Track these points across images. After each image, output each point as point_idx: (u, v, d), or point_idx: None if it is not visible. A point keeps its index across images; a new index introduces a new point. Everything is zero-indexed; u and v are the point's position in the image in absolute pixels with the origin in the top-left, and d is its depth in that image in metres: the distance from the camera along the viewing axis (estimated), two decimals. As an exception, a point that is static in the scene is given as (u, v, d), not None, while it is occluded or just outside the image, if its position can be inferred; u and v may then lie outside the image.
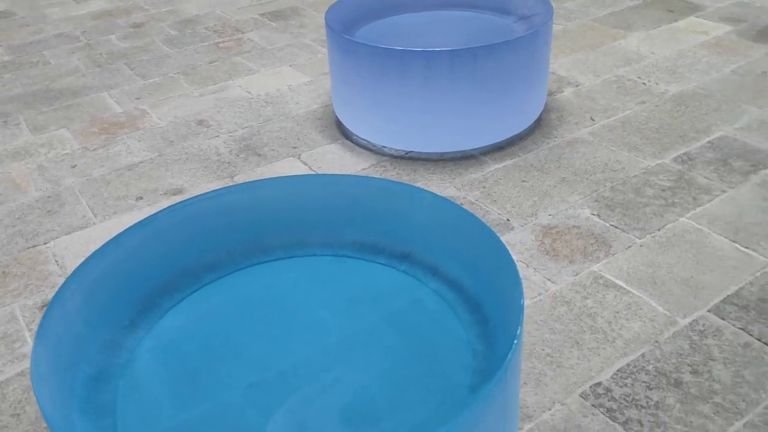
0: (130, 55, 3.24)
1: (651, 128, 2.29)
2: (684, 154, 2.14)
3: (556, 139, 2.27)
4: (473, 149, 2.23)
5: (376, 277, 1.37)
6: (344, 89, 2.27)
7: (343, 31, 2.38)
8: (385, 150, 2.26)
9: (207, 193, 1.42)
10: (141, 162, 2.31)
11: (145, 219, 1.34)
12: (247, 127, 2.49)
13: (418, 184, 2.07)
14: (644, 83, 2.60)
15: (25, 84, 3.00)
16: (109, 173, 2.25)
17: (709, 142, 2.19)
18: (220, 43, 3.32)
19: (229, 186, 1.42)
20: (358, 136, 2.33)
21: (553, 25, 3.19)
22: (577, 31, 3.14)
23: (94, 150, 2.41)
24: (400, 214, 1.40)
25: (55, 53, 3.34)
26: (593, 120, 2.36)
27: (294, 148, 2.33)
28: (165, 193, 2.12)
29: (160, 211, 1.36)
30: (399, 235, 1.41)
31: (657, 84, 2.59)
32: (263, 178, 2.03)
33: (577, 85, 2.62)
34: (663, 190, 1.97)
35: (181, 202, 1.38)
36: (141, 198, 2.11)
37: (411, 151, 2.24)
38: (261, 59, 3.09)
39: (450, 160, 2.19)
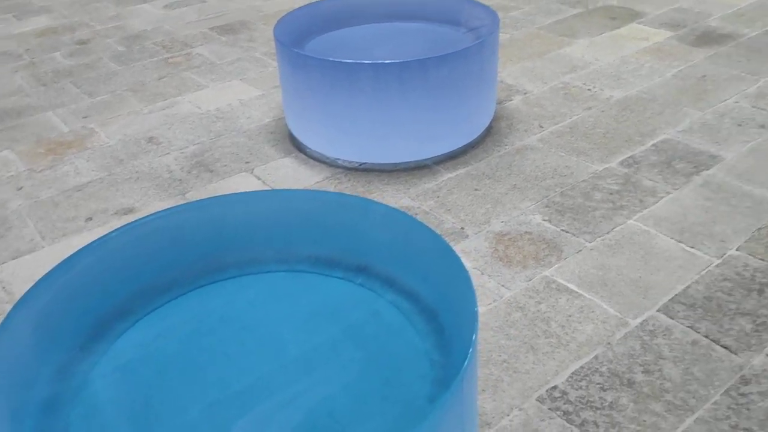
0: (76, 73, 3.18)
1: (598, 133, 2.36)
2: (630, 157, 2.20)
3: (507, 147, 2.31)
4: (426, 159, 2.25)
5: (333, 291, 1.37)
6: (296, 103, 2.27)
7: (292, 44, 2.39)
8: (339, 162, 2.27)
9: (159, 212, 1.40)
10: (90, 182, 2.26)
11: (95, 241, 1.32)
12: (198, 143, 2.47)
13: (373, 196, 2.08)
14: (590, 89, 2.67)
15: (-34, 105, 2.91)
16: (57, 195, 2.20)
17: (653, 145, 2.26)
18: (169, 58, 3.29)
19: (182, 204, 1.41)
20: (311, 149, 2.34)
21: (501, 35, 3.25)
22: (524, 39, 3.21)
23: (40, 171, 2.35)
24: (354, 227, 1.41)
25: (-3, 72, 3.25)
26: (542, 127, 2.41)
27: (247, 163, 2.32)
28: (116, 213, 2.09)
29: (111, 232, 1.34)
30: (354, 249, 1.41)
31: (602, 90, 2.66)
32: (216, 194, 2.01)
33: (525, 93, 2.67)
34: (611, 194, 2.02)
35: (132, 222, 1.36)
36: (91, 219, 2.07)
37: (365, 163, 2.25)
38: (211, 74, 3.07)
39: (404, 171, 2.21)
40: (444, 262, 1.24)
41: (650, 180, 2.07)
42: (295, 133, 2.36)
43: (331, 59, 2.09)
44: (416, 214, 1.99)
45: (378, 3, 2.64)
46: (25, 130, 2.66)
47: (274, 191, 1.45)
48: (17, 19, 4.05)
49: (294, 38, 2.45)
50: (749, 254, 1.75)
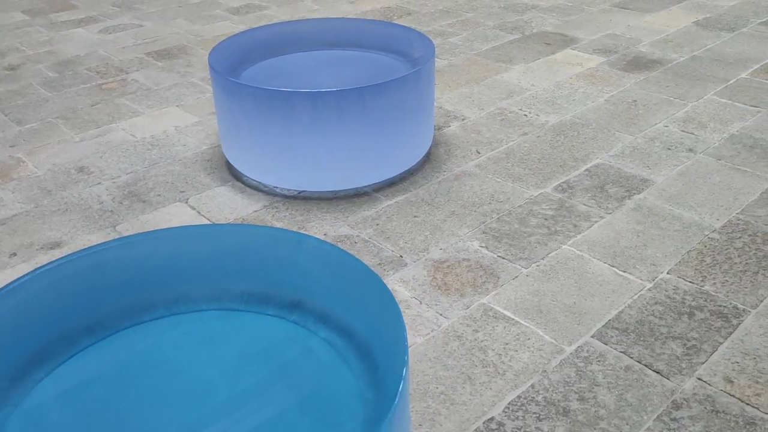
0: (4, 100, 3.06)
1: (533, 158, 2.39)
2: (564, 182, 2.24)
3: (445, 173, 2.32)
4: (365, 186, 2.24)
5: (265, 330, 1.34)
6: (231, 131, 2.23)
7: (228, 72, 2.35)
8: (277, 191, 2.24)
9: (82, 250, 1.35)
10: (15, 215, 2.17)
11: (10, 284, 1.26)
12: (131, 172, 2.40)
13: (312, 224, 2.06)
14: (526, 115, 2.72)
15: None
16: (-20, 229, 2.11)
17: (587, 170, 2.31)
18: (103, 84, 3.21)
19: (106, 242, 1.36)
20: (248, 178, 2.30)
21: (439, 60, 3.29)
22: (462, 65, 3.25)
23: (-38, 204, 2.25)
24: (287, 262, 1.38)
25: None
26: (479, 153, 2.44)
27: (181, 192, 2.27)
28: (41, 248, 2.00)
29: (28, 274, 1.28)
30: (288, 284, 1.39)
31: (538, 115, 2.71)
32: (148, 225, 1.95)
33: (463, 119, 2.70)
34: (546, 219, 2.05)
35: (51, 262, 1.30)
36: (15, 254, 1.98)
37: (304, 191, 2.23)
38: (147, 100, 3.00)
39: (343, 198, 2.20)
40: (375, 296, 1.23)
41: (584, 205, 2.11)
42: (232, 161, 2.32)
43: (266, 88, 2.06)
44: (355, 242, 1.97)
45: (316, 31, 2.64)
46: (-53, 160, 2.54)
47: (202, 226, 1.41)
48: (-58, 43, 3.89)
49: (230, 65, 2.42)
50: (679, 277, 1.79)
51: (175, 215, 2.14)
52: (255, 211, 2.15)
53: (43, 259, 1.95)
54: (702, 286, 1.75)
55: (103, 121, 2.82)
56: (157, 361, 1.27)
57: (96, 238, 2.03)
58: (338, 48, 2.64)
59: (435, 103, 2.84)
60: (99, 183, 2.34)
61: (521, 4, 4.17)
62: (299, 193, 2.22)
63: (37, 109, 2.96)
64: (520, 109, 2.77)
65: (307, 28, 2.63)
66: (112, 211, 2.17)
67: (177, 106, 2.93)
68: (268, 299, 1.40)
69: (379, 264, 1.88)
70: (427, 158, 2.41)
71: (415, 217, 2.09)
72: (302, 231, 2.03)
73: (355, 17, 4.06)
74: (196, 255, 1.40)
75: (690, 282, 1.77)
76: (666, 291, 1.74)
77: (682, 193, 2.16)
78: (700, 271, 1.81)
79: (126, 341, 1.32)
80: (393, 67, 2.49)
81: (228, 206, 2.17)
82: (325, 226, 2.05)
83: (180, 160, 2.47)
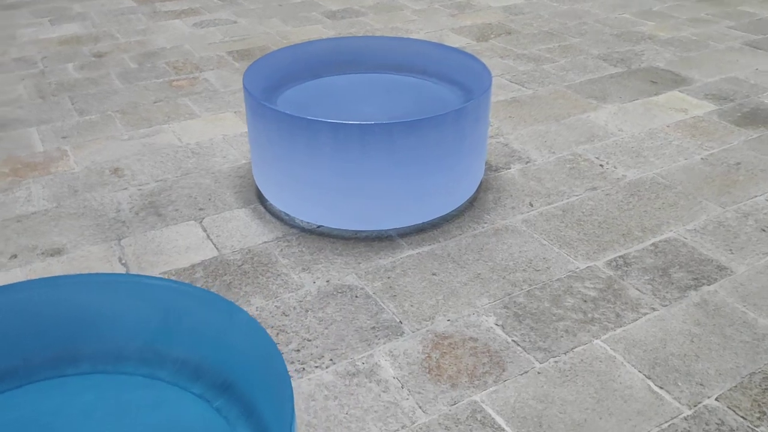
0: (78, 88, 3.09)
1: (593, 221, 2.05)
2: (621, 256, 1.89)
3: (485, 225, 2.04)
4: (390, 230, 2.01)
5: (183, 414, 1.15)
6: (258, 152, 2.07)
7: (268, 89, 2.20)
8: (296, 221, 2.06)
9: (12, 284, 1.22)
10: (34, 213, 2.13)
11: None
12: (161, 180, 2.31)
13: (318, 266, 1.85)
14: (602, 165, 2.37)
15: (-41, 111, 2.87)
16: (2, 223, 2.08)
17: (653, 244, 1.95)
18: (174, 81, 3.17)
19: (31, 280, 1.22)
20: (270, 203, 2.13)
21: (523, 90, 2.97)
22: (548, 97, 2.92)
23: (-8, 193, 2.24)
24: (216, 334, 1.19)
25: (5, 79, 3.21)
26: (531, 205, 2.13)
27: (200, 210, 2.14)
28: (42, 253, 1.93)
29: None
30: (216, 359, 1.19)
31: (615, 168, 2.35)
32: (150, 245, 1.79)
33: (527, 162, 2.39)
34: (585, 301, 1.73)
35: (-33, 295, 1.18)
36: (15, 257, 1.93)
37: (322, 226, 2.03)
38: (208, 102, 2.92)
39: (362, 240, 1.98)
40: (278, 392, 1.01)
41: (637, 289, 1.76)
42: (258, 184, 2.16)
43: (288, 113, 1.88)
44: (356, 296, 1.75)
45: (373, 51, 2.43)
46: (4, 144, 2.57)
47: (140, 277, 1.24)
48: (51, 24, 4.05)
49: (273, 83, 2.26)
50: (730, 407, 1.42)
51: (183, 236, 2.01)
52: (265, 242, 1.97)
53: (40, 266, 1.88)
54: (756, 427, 1.38)
55: (157, 120, 2.76)
56: (54, 428, 1.11)
57: (97, 251, 1.94)
58: (393, 71, 2.42)
59: (501, 139, 2.55)
60: (125, 188, 2.26)
61: (638, 33, 3.74)
62: (317, 227, 2.03)
63: (103, 100, 2.96)
64: (597, 158, 2.42)
65: (358, 48, 2.43)
66: (124, 222, 2.08)
67: (234, 112, 2.83)
68: (200, 373, 1.21)
69: (373, 328, 1.64)
70: (470, 204, 2.14)
71: (433, 275, 1.83)
72: (306, 272, 1.83)
73: (424, 38, 3.81)
74: (126, 308, 1.24)
75: (742, 417, 1.40)
76: (707, 424, 1.38)
77: (764, 291, 1.76)
78: (759, 405, 1.43)
79: (36, 395, 1.17)
80: (445, 99, 2.23)
81: (240, 232, 2.02)
82: (330, 271, 1.84)
83: (213, 173, 2.34)
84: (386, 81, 2.36)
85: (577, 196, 2.19)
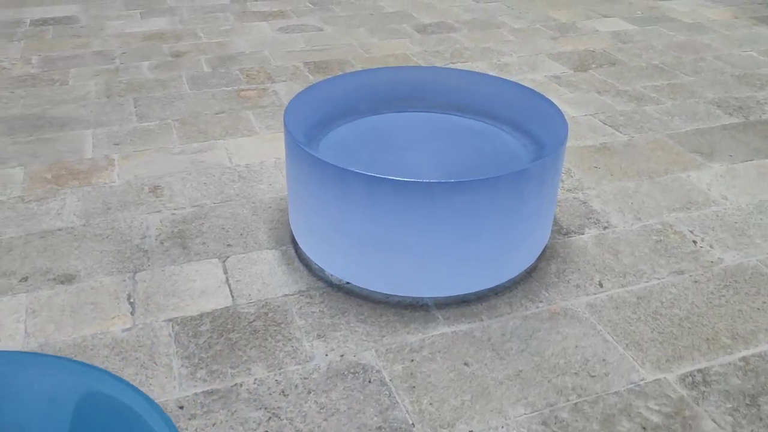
0: (146, 89, 3.01)
1: (673, 316, 1.71)
2: (700, 371, 1.55)
3: (540, 305, 1.74)
4: (427, 298, 1.75)
5: None
6: (294, 192, 1.87)
7: (318, 124, 1.99)
8: (325, 273, 1.83)
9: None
10: (60, 229, 2.02)
11: None
12: (198, 205, 2.15)
13: (336, 334, 1.62)
14: (695, 241, 2.00)
15: (27, 105, 2.84)
16: (20, 237, 1.98)
17: (743, 358, 1.58)
18: (242, 90, 3.03)
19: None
20: (301, 249, 1.93)
21: (617, 135, 2.62)
22: (644, 147, 2.55)
23: (27, 202, 2.16)
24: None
25: (79, 73, 3.18)
26: (601, 285, 1.81)
27: (228, 246, 1.96)
28: (53, 279, 1.81)
29: None
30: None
31: (711, 247, 1.98)
32: (165, 283, 1.58)
33: (605, 227, 2.06)
34: (644, 428, 1.40)
35: None
36: (26, 279, 1.81)
37: (350, 283, 1.80)
38: (270, 118, 2.76)
39: (393, 306, 1.73)
40: None
41: (714, 421, 1.42)
42: (292, 225, 1.95)
43: (320, 158, 1.66)
44: (368, 382, 1.50)
45: (433, 85, 2.16)
46: (53, 147, 2.50)
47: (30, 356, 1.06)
48: (140, 17, 4.04)
49: (320, 117, 2.04)
50: None
51: (202, 276, 1.83)
52: (286, 294, 1.76)
53: (46, 294, 1.75)
54: None
55: (214, 134, 2.62)
56: None
57: (109, 283, 1.80)
58: (457, 111, 2.14)
59: (580, 195, 2.23)
60: (159, 211, 2.12)
61: (764, 76, 3.26)
62: (346, 283, 1.80)
63: (167, 106, 2.86)
64: (691, 231, 2.05)
65: (428, 80, 2.17)
66: (146, 251, 1.93)
67: (294, 132, 2.64)
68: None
69: (379, 428, 1.39)
70: (528, 274, 1.84)
71: (465, 364, 1.56)
72: (321, 340, 1.61)
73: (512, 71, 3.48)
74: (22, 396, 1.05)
75: None
76: None
77: None
78: None
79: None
80: (511, 151, 1.94)
81: (262, 279, 1.82)
82: (348, 343, 1.60)
83: (253, 203, 2.16)
84: (447, 123, 2.09)
85: (658, 279, 1.84)
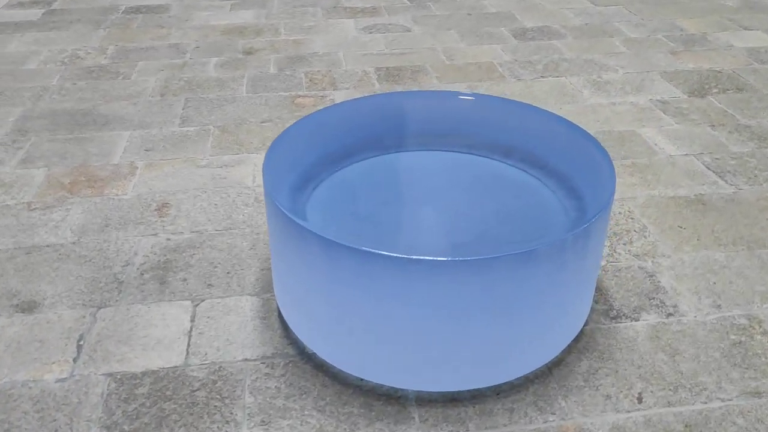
0: (202, 89, 2.86)
1: (730, 463, 1.26)
2: None
3: (550, 419, 1.35)
4: (408, 391, 1.42)
5: None
6: (274, 248, 1.59)
7: (312, 167, 1.70)
8: (299, 341, 1.55)
9: None
10: (49, 246, 1.88)
11: None
12: (197, 231, 1.94)
13: (283, 424, 1.33)
14: (790, 350, 1.51)
15: (81, 99, 2.78)
16: (6, 251, 1.86)
17: None
18: (298, 97, 2.79)
19: None
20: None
21: (722, 187, 2.11)
22: (752, 205, 2.03)
23: (32, 210, 2.04)
24: None
25: (146, 67, 3.09)
26: (640, 401, 1.39)
27: (208, 287, 1.72)
28: (15, 306, 1.66)
29: None
30: None
31: (810, 362, 1.48)
32: (122, 327, 1.42)
33: (670, 314, 1.61)
34: None
35: None
36: (-11, 303, 1.68)
37: (316, 354, 1.50)
38: (315, 132, 2.50)
39: (365, 393, 1.41)
40: None
41: None
42: (274, 277, 1.68)
43: (301, 224, 1.36)
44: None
45: (461, 117, 1.79)
46: (87, 147, 2.39)
47: None
48: (229, 10, 3.92)
49: (322, 156, 1.74)
50: None
51: (166, 321, 1.61)
52: (246, 359, 1.50)
53: (1, 323, 1.61)
54: None
55: (249, 146, 2.40)
56: None
57: (67, 318, 1.62)
58: (485, 152, 1.75)
59: (648, 264, 1.78)
60: (155, 234, 1.93)
61: None
62: (313, 354, 1.50)
63: (215, 110, 2.68)
64: (788, 334, 1.55)
65: (455, 110, 1.80)
66: (122, 282, 1.74)
67: (334, 150, 2.37)
68: None
69: None
70: (547, 370, 1.45)
71: (424, 492, 1.22)
72: (263, 428, 1.33)
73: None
74: None
75: None
76: None
77: None
78: None
79: None
80: (544, 211, 1.54)
81: (226, 336, 1.56)
82: (294, 438, 1.31)
83: (257, 235, 1.92)
84: (472, 168, 1.72)
85: (723, 400, 1.39)
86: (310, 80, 2.95)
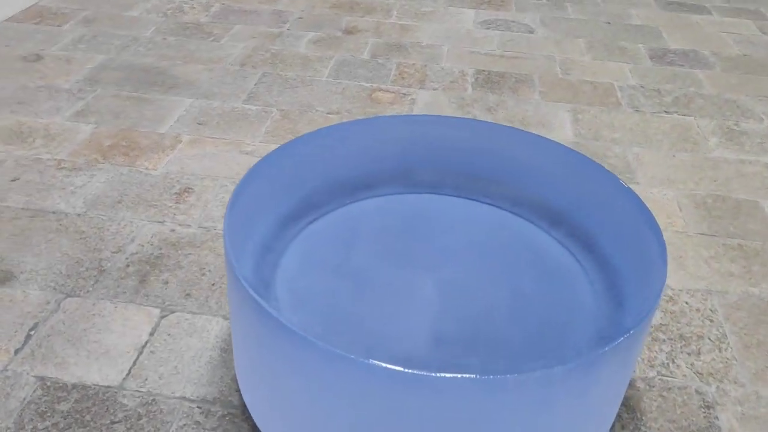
0: (283, 66, 2.68)
1: None
2: None
3: None
4: (345, 486, 1.16)
5: None
6: (236, 331, 1.38)
7: (295, 211, 1.45)
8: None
9: None
10: (54, 212, 1.78)
11: None
12: (206, 226, 1.77)
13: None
14: None
15: (162, 56, 2.69)
16: (13, 209, 1.79)
17: None
18: (380, 90, 2.54)
19: None
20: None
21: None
22: None
23: (60, 169, 1.97)
24: None
25: (240, 32, 2.96)
26: None
27: (185, 296, 1.54)
28: (-9, 275, 1.58)
29: None
30: None
31: None
32: (73, 331, 1.25)
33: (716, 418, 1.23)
34: None
35: None
36: (-31, 265, 1.61)
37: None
38: (380, 134, 2.24)
39: (299, 477, 1.18)
40: None
41: None
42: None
43: (268, 310, 1.15)
44: None
45: (487, 161, 1.45)
46: (141, 109, 2.30)
47: None
48: (352, -18, 3.71)
49: (293, 207, 1.47)
50: None
51: (125, 328, 1.45)
52: (183, 397, 1.30)
53: (-28, 289, 1.53)
54: None
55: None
56: None
57: (34, 298, 1.51)
58: (508, 204, 1.41)
59: (711, 390, 1.38)
60: (162, 222, 1.78)
61: None
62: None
63: (287, 90, 2.50)
64: None
65: (484, 146, 1.46)
66: (103, 271, 1.60)
67: (390, 160, 2.11)
68: None
69: None
70: None
71: None
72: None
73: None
74: None
75: None
76: None
77: None
78: None
79: None
80: (572, 312, 1.21)
81: (177, 360, 1.38)
82: None
83: (264, 245, 1.71)
84: (487, 225, 1.39)
85: None
86: (400, 73, 2.69)
